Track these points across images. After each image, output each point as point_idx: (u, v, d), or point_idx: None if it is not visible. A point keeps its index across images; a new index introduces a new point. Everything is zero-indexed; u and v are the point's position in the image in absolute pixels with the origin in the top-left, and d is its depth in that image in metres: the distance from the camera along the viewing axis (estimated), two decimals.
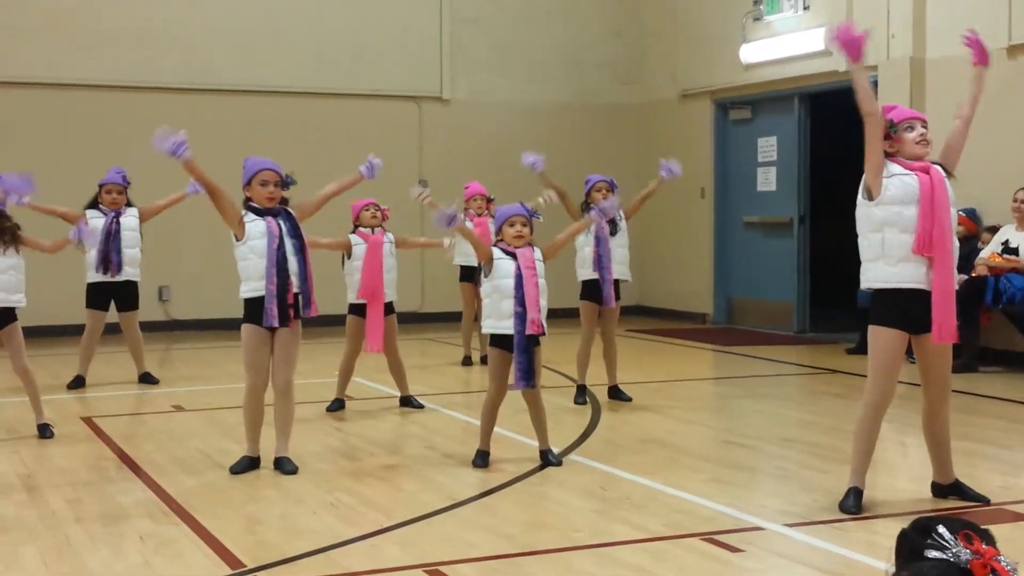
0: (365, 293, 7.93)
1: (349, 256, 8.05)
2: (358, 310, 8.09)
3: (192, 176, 6.25)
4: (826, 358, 11.08)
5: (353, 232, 8.08)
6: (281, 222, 6.17)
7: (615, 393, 8.56)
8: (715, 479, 6.19)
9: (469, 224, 9.70)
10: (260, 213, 6.16)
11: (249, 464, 6.33)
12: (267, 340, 6.25)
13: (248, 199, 6.21)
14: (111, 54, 13.16)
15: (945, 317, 5.27)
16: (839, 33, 5.29)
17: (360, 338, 8.12)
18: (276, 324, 6.11)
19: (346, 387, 8.34)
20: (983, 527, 1.97)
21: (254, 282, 6.14)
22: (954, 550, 1.88)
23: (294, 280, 6.15)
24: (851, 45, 5.25)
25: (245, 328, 6.25)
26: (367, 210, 8.09)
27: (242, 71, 13.66)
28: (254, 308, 6.17)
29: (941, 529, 1.92)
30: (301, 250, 6.19)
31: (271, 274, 6.07)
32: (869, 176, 5.34)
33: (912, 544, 1.94)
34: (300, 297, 6.20)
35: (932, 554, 1.89)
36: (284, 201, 6.26)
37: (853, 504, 5.40)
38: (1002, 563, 1.88)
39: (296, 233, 6.20)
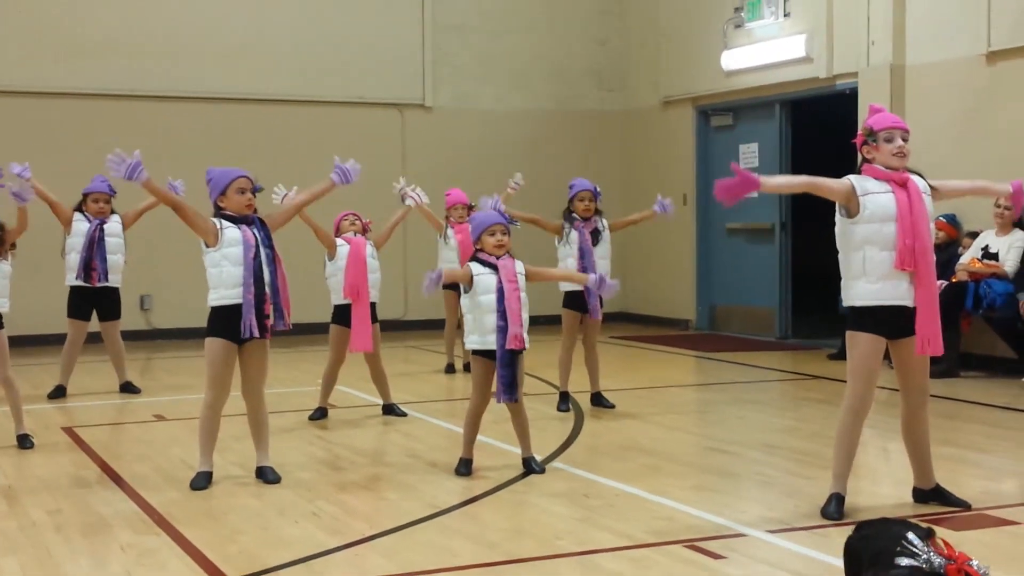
0: (350, 292, 7.91)
1: (331, 258, 8.03)
2: (341, 319, 8.07)
3: (153, 195, 6.22)
4: (808, 364, 11.12)
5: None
6: (256, 231, 6.09)
7: (598, 400, 8.56)
8: (698, 486, 6.20)
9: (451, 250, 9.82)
10: (235, 221, 6.09)
11: (208, 479, 6.22)
12: (234, 354, 6.16)
13: (221, 209, 6.11)
14: (95, 62, 13.13)
15: (930, 330, 5.30)
16: (722, 192, 5.07)
17: (343, 346, 8.10)
18: (256, 334, 6.04)
19: (329, 396, 8.33)
20: (924, 525, 1.98)
21: (225, 290, 6.03)
22: (926, 556, 1.90)
23: (268, 292, 6.05)
24: (739, 188, 5.05)
25: (211, 342, 6.11)
26: (346, 219, 8.09)
27: (225, 79, 13.64)
28: (222, 318, 6.06)
29: (911, 536, 1.93)
30: (274, 260, 6.11)
31: (248, 283, 5.98)
32: (841, 202, 5.36)
33: (875, 552, 1.96)
34: (273, 309, 6.10)
35: (904, 561, 1.91)
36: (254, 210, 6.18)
37: (835, 510, 5.41)
38: (975, 567, 1.90)
39: (269, 243, 6.10)
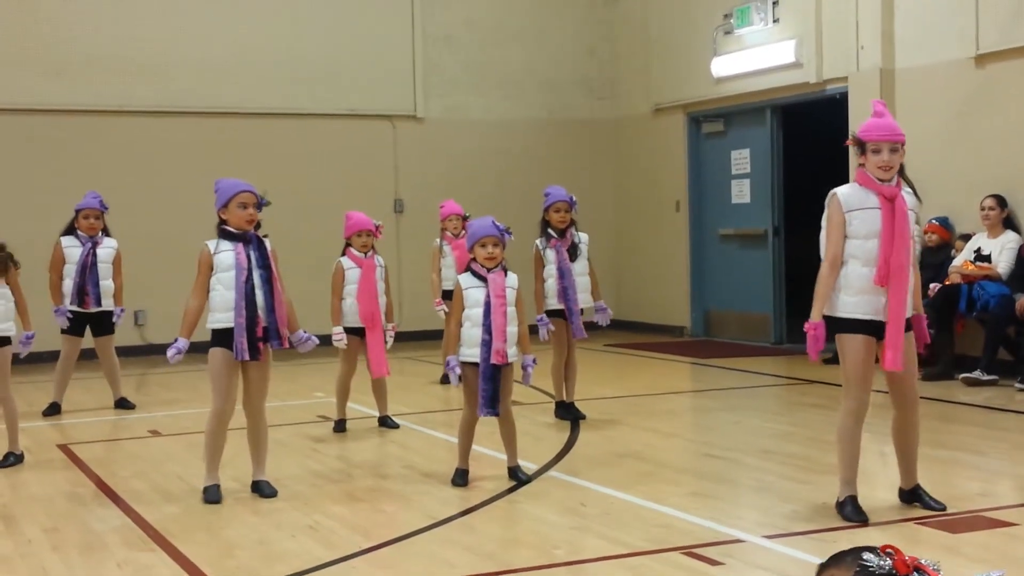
0: (366, 319, 7.88)
1: (342, 280, 7.98)
2: (353, 330, 8.02)
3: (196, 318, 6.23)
4: (803, 368, 11.11)
5: (343, 255, 8.03)
6: (251, 251, 6.08)
7: (568, 409, 8.45)
8: (694, 492, 6.20)
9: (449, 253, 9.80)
10: (233, 238, 6.09)
11: (219, 491, 6.23)
12: (236, 365, 6.16)
13: (223, 222, 6.12)
14: (84, 78, 13.12)
15: (895, 347, 5.32)
16: (813, 354, 5.58)
17: (355, 357, 8.07)
18: (247, 357, 6.04)
19: (345, 406, 8.28)
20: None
21: (220, 313, 6.07)
22: (878, 563, 2.06)
23: (261, 314, 6.06)
24: (814, 342, 5.51)
25: (214, 352, 6.15)
26: (359, 237, 7.99)
27: (216, 93, 13.64)
28: (221, 337, 6.11)
29: (866, 555, 2.10)
30: (269, 280, 6.09)
31: (240, 307, 5.99)
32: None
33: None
34: (267, 330, 6.09)
35: None
36: (257, 225, 6.19)
37: (852, 511, 5.40)
38: (926, 563, 2.04)
39: (265, 263, 6.09)
